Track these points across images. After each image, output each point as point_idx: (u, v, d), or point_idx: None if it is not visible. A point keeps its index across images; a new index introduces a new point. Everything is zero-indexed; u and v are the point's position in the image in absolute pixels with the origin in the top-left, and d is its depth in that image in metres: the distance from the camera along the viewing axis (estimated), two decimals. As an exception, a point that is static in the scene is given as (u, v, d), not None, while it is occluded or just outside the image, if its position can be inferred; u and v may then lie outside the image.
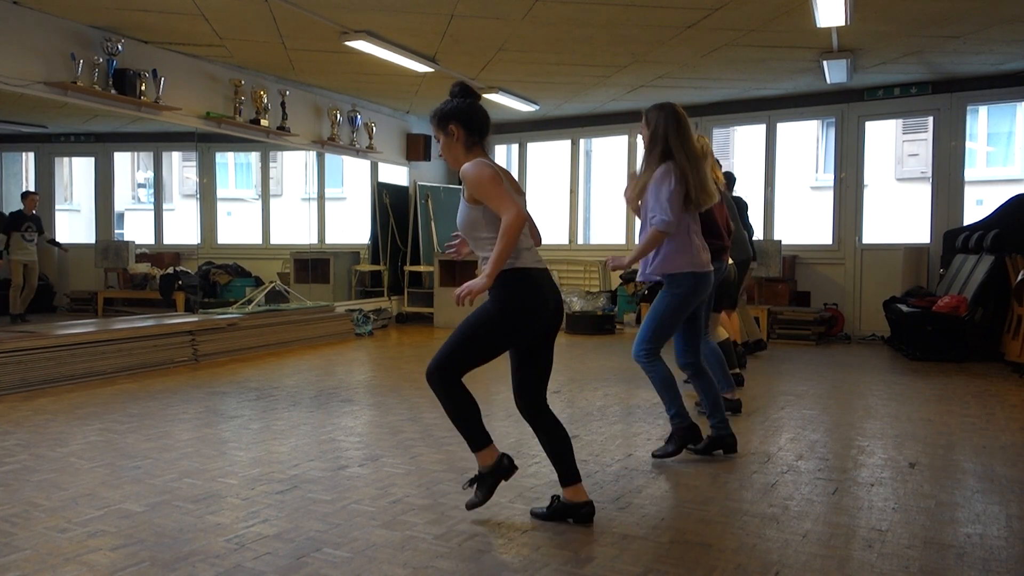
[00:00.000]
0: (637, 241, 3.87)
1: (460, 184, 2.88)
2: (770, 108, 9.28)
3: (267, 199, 9.92)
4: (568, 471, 2.89)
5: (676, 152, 3.57)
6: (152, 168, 9.62)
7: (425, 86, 8.43)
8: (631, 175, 3.82)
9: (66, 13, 6.05)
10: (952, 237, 8.16)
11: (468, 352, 2.80)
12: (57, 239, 8.60)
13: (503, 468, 2.87)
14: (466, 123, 2.85)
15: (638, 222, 3.84)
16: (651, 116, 3.66)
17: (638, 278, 3.87)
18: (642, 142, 3.75)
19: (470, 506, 2.90)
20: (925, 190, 9.08)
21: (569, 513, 2.88)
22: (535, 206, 3.13)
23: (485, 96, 8.58)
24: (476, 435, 2.85)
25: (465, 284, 2.70)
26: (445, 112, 2.88)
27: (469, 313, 2.85)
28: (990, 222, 7.68)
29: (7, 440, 4.02)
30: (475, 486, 2.89)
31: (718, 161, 5.44)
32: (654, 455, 3.76)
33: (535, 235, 3.06)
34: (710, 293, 4.17)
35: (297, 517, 2.91)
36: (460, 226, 2.88)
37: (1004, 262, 7.04)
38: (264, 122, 7.97)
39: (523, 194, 2.94)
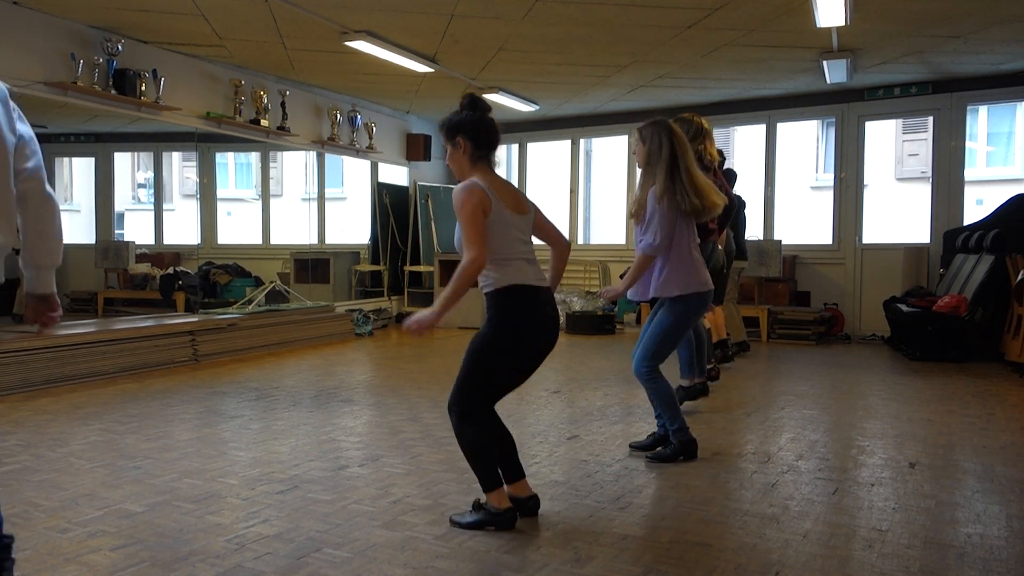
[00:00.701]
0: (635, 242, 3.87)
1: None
2: (770, 108, 9.28)
3: (267, 199, 9.92)
4: (515, 468, 2.93)
5: (671, 168, 3.58)
6: (152, 168, 9.62)
7: (425, 86, 8.43)
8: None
9: (66, 13, 6.05)
10: (952, 237, 8.16)
11: (478, 382, 2.77)
12: None
13: (505, 519, 2.80)
14: (474, 137, 2.82)
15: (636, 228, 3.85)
16: (645, 133, 3.67)
17: (630, 297, 3.84)
18: (636, 156, 3.76)
19: (454, 522, 2.84)
20: (925, 190, 9.08)
21: (519, 507, 2.90)
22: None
23: (485, 96, 8.57)
24: (486, 476, 2.79)
25: (415, 316, 2.70)
26: (454, 124, 2.85)
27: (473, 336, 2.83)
28: (990, 222, 7.69)
29: (8, 440, 4.02)
30: (473, 509, 2.86)
31: (721, 154, 5.38)
32: (649, 457, 3.75)
33: (561, 243, 3.01)
34: None
35: (297, 517, 2.91)
36: (456, 244, 2.83)
37: (1004, 262, 7.04)
38: (264, 122, 7.97)
39: (528, 212, 2.87)
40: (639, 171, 3.78)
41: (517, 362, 2.81)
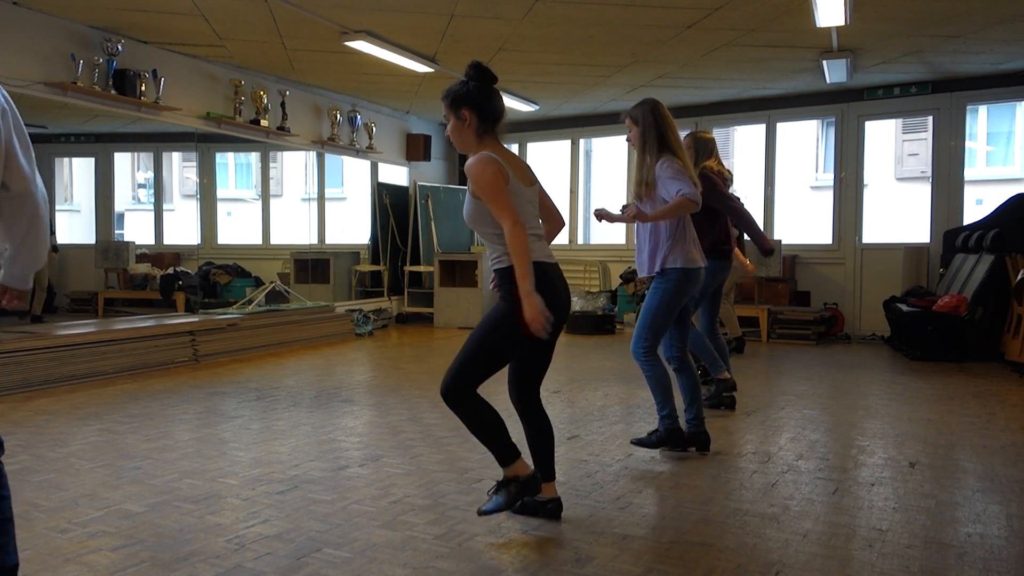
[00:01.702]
0: (636, 240, 3.87)
1: (461, 183, 2.85)
2: (770, 108, 9.28)
3: (267, 199, 9.92)
4: (546, 468, 2.89)
5: (671, 142, 3.64)
6: (152, 168, 9.62)
7: (425, 86, 8.43)
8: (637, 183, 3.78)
9: (66, 13, 6.05)
10: (952, 236, 8.16)
11: (484, 359, 2.70)
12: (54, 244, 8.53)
13: (533, 483, 2.77)
14: (480, 110, 2.70)
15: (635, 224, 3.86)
16: (636, 114, 3.71)
17: (641, 274, 3.87)
18: (631, 141, 3.77)
19: (483, 512, 2.75)
20: (925, 190, 9.08)
21: (537, 509, 2.88)
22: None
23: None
24: (504, 449, 2.74)
25: (531, 316, 2.54)
26: (459, 95, 2.71)
27: (483, 318, 2.75)
28: (990, 221, 7.68)
29: (8, 440, 3.98)
30: (497, 490, 2.77)
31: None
32: (632, 442, 3.82)
33: (556, 219, 2.96)
34: (705, 290, 4.34)
35: (297, 517, 2.91)
36: (466, 218, 2.78)
37: (1004, 261, 7.04)
38: (264, 122, 7.97)
39: (535, 184, 2.83)
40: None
41: (521, 343, 2.71)
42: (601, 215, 3.80)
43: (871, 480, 3.45)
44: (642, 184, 3.66)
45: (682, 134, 3.86)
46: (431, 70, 7.50)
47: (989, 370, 6.51)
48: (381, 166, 10.08)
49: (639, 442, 3.79)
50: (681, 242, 3.68)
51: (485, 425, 2.73)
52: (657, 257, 3.69)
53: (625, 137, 3.83)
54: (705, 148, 4.76)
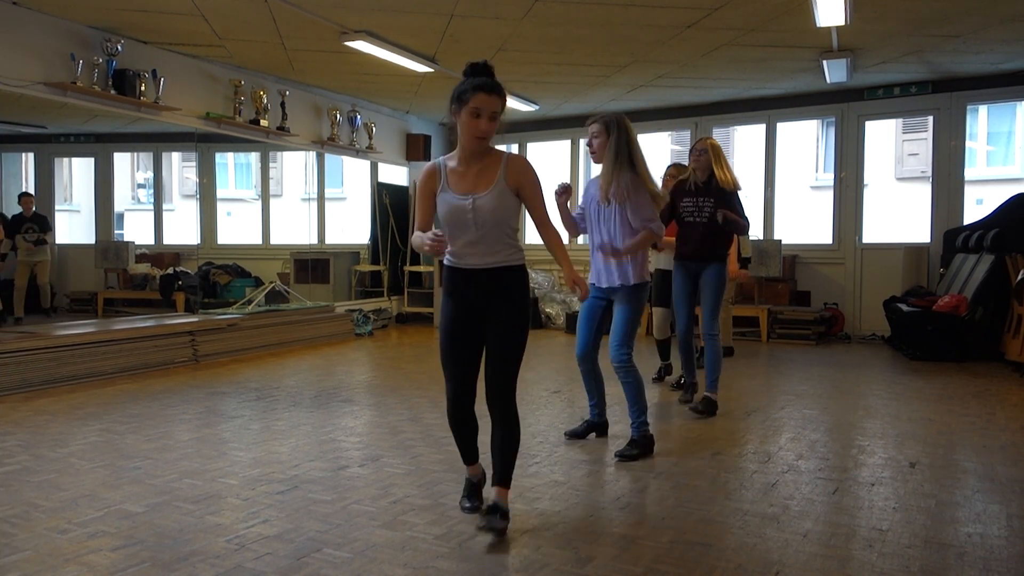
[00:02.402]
0: (591, 252, 4.05)
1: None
2: (770, 108, 9.27)
3: (267, 199, 9.93)
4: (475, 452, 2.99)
5: (638, 163, 3.79)
6: (152, 168, 9.63)
7: (425, 86, 8.43)
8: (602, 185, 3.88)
9: (66, 13, 6.05)
10: (952, 236, 8.15)
11: (522, 357, 2.79)
12: (45, 237, 8.49)
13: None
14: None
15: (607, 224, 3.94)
16: (611, 123, 3.80)
17: (604, 284, 3.96)
18: (592, 146, 3.86)
19: (496, 529, 2.69)
20: (925, 189, 9.08)
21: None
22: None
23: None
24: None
25: (580, 284, 2.79)
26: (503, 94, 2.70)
27: (501, 323, 2.73)
28: (990, 221, 7.69)
29: (7, 441, 4.02)
30: (492, 510, 2.73)
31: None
32: (617, 455, 3.78)
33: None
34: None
35: (297, 517, 2.91)
36: (490, 211, 2.68)
37: (1004, 261, 7.04)
38: (264, 122, 7.96)
39: None
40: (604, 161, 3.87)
41: None
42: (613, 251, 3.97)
43: (871, 480, 3.45)
44: (611, 188, 3.78)
45: (682, 135, 3.93)
46: (431, 70, 7.50)
47: (989, 370, 6.51)
48: (381, 166, 10.08)
49: (624, 457, 3.75)
50: (645, 256, 3.95)
51: (519, 437, 2.80)
52: (618, 271, 3.88)
53: (587, 141, 3.91)
54: (716, 155, 4.80)
